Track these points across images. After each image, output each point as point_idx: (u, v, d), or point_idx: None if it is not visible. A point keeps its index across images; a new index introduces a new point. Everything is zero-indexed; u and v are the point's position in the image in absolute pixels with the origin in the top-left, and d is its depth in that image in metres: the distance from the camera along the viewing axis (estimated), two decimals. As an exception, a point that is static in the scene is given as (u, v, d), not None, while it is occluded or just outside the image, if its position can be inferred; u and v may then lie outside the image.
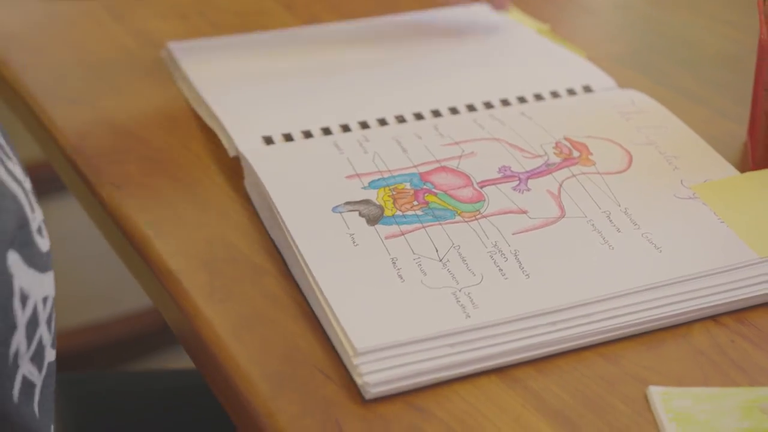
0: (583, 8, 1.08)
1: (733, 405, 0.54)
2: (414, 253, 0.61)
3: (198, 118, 0.80)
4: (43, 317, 0.51)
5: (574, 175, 0.68)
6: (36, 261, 0.50)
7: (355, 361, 0.54)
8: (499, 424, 0.53)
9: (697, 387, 0.56)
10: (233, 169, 0.73)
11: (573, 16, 1.05)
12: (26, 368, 0.50)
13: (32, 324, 0.50)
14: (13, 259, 0.47)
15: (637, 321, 0.58)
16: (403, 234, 0.63)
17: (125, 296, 1.59)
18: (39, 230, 0.51)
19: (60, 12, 0.99)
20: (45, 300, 0.51)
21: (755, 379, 0.56)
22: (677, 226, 0.64)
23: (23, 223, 0.49)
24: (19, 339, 0.48)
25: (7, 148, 0.53)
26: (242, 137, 0.72)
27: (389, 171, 0.68)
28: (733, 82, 0.89)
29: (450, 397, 0.54)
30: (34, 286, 0.49)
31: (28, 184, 0.52)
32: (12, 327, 0.48)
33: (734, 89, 0.87)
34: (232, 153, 0.73)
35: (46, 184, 1.09)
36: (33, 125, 0.83)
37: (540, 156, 0.70)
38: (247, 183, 0.70)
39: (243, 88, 0.80)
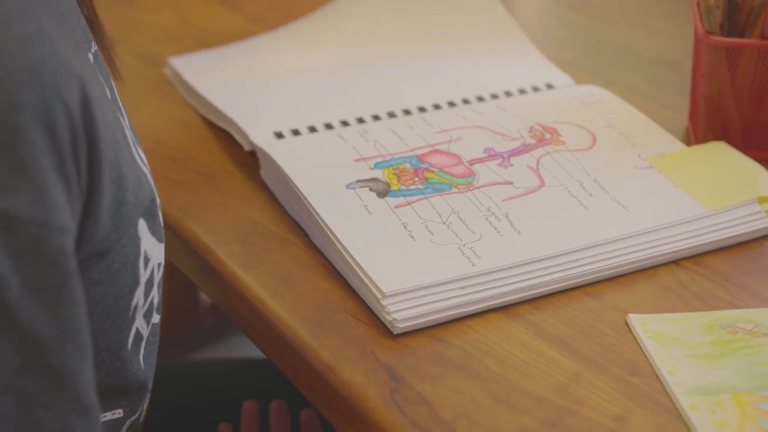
0: (531, 24, 1.20)
1: (698, 324, 0.65)
2: (421, 218, 0.71)
3: (206, 122, 0.89)
4: (156, 279, 0.60)
5: (548, 153, 0.79)
6: (156, 231, 0.59)
7: (384, 302, 0.64)
8: (509, 348, 0.63)
9: (667, 313, 0.67)
10: (247, 163, 0.83)
11: (523, 29, 1.18)
12: (139, 322, 0.59)
13: (149, 284, 0.59)
14: (142, 226, 0.56)
15: (614, 265, 0.69)
16: (409, 204, 0.73)
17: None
18: (159, 206, 0.61)
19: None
20: (159, 266, 0.60)
21: (713, 305, 0.68)
22: (639, 189, 0.76)
23: (153, 198, 0.58)
24: (139, 294, 0.57)
25: (135, 137, 0.62)
26: (256, 133, 0.82)
27: (390, 154, 0.78)
28: (672, 79, 1.01)
29: (464, 330, 0.65)
30: (154, 252, 0.58)
31: (148, 168, 0.61)
32: (136, 282, 0.57)
33: (674, 85, 1.00)
34: (247, 147, 0.82)
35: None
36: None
37: (517, 139, 0.81)
38: (263, 172, 0.80)
39: (246, 90, 0.90)
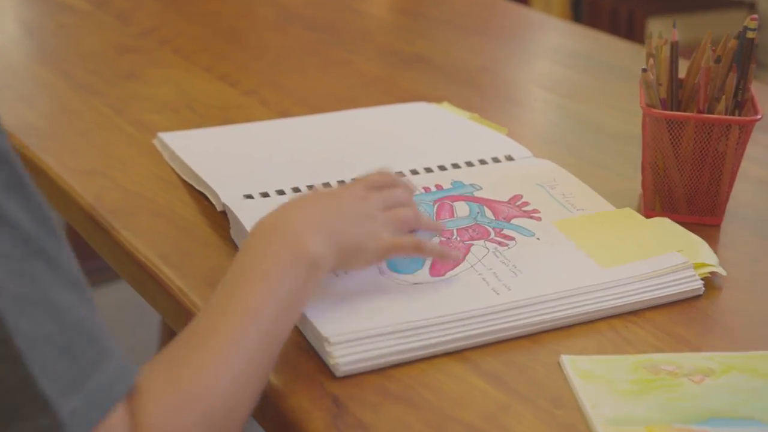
0: (510, 101, 1.29)
1: (624, 365, 0.71)
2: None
3: (187, 183, 0.96)
4: None
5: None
6: None
7: (328, 348, 0.69)
8: (445, 381, 0.69)
9: (596, 355, 0.72)
10: (220, 221, 0.89)
11: (501, 106, 1.26)
12: None
13: None
14: None
15: (554, 318, 0.75)
16: None
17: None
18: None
19: (67, 107, 1.17)
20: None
21: (640, 350, 0.73)
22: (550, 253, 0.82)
23: None
24: None
25: None
26: (227, 194, 0.89)
27: None
28: (631, 152, 1.08)
29: (406, 365, 0.70)
30: None
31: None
32: None
33: (631, 158, 1.07)
34: (219, 208, 0.89)
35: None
36: (53, 194, 0.99)
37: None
38: (233, 232, 0.86)
39: (224, 160, 0.98)
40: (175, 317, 0.80)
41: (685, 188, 0.91)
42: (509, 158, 1.00)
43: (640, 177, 1.00)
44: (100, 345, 0.57)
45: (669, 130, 0.89)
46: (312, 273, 0.68)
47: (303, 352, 0.72)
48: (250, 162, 0.98)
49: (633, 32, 2.57)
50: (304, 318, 0.72)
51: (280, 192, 0.91)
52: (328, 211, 0.73)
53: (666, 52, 0.92)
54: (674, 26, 0.93)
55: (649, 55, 0.92)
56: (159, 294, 0.82)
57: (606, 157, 1.08)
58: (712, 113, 0.89)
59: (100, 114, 1.15)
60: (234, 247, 0.85)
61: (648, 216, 0.91)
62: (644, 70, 0.89)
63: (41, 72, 1.29)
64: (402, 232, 0.77)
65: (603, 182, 0.99)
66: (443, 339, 0.72)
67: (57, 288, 0.56)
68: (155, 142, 1.06)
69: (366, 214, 0.74)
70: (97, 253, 0.94)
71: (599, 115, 1.21)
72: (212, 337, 0.63)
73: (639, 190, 0.99)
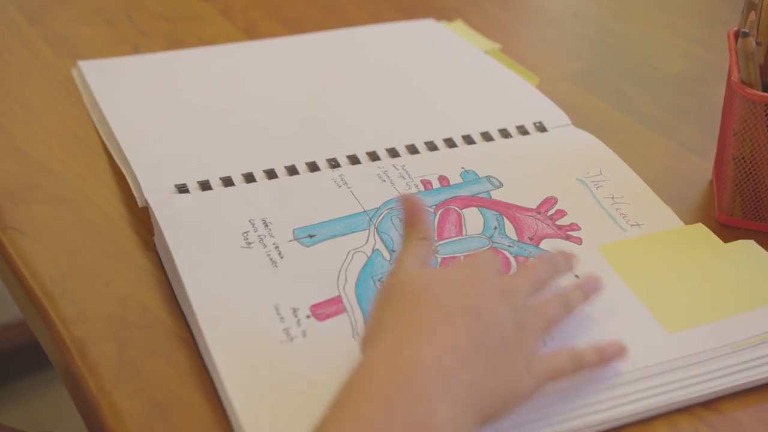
0: (543, 18, 1.02)
1: None
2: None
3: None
4: None
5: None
6: None
7: None
8: None
9: (657, 491, 0.50)
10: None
11: (532, 26, 0.99)
12: None
13: None
14: None
15: (601, 420, 0.52)
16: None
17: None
18: None
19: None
20: None
21: (720, 479, 0.51)
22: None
23: None
24: None
25: None
26: (151, 184, 0.64)
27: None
28: (694, 107, 0.83)
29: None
30: None
31: None
32: None
33: (696, 116, 0.82)
34: (141, 203, 0.65)
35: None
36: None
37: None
38: (157, 239, 0.63)
39: (158, 123, 0.72)
40: (67, 377, 0.58)
41: (778, 193, 0.67)
42: (540, 128, 0.74)
43: (707, 149, 0.76)
44: None
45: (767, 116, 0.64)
46: None
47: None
48: (196, 120, 0.73)
49: None
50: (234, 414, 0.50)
51: (228, 182, 0.66)
52: (472, 350, 0.48)
53: (771, -2, 0.65)
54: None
55: (751, 5, 0.66)
56: (49, 338, 0.59)
57: (663, 115, 0.82)
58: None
59: (9, 22, 0.88)
60: (157, 259, 0.62)
61: (722, 222, 0.68)
62: (745, 34, 0.63)
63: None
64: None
65: (661, 155, 0.75)
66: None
67: None
68: (74, 72, 0.81)
69: (514, 336, 0.50)
70: None
71: (654, 44, 0.94)
72: None
73: (708, 173, 0.74)
